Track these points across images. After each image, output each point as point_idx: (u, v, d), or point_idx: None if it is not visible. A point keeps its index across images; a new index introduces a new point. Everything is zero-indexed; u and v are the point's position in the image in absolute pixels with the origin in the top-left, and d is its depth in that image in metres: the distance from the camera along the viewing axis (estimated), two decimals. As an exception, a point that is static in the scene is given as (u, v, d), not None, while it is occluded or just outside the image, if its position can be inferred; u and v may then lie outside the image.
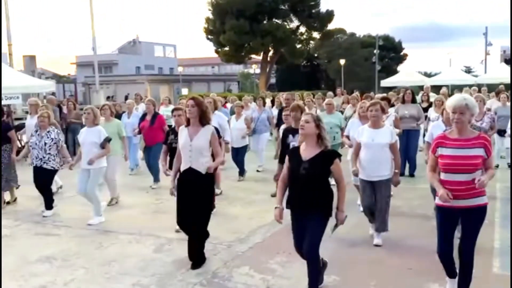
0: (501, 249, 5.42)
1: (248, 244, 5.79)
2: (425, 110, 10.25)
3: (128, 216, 7.23)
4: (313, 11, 42.55)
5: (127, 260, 5.34)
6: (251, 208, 7.49)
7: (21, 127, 11.44)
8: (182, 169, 4.99)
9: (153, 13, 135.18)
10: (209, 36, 43.08)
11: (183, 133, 4.98)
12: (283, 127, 7.78)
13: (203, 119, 4.92)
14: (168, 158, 6.35)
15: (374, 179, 5.53)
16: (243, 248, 5.67)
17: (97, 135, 6.85)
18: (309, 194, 3.99)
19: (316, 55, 51.40)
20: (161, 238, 6.01)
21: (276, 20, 42.11)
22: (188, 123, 4.99)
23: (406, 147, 9.29)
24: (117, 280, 4.84)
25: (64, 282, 4.81)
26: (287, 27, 42.77)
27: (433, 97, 12.05)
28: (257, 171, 10.46)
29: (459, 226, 4.11)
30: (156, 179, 8.98)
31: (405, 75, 27.64)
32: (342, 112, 10.34)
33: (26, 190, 8.07)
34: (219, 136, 6.71)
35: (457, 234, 4.09)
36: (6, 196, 7.95)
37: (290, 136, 6.03)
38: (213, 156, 5.08)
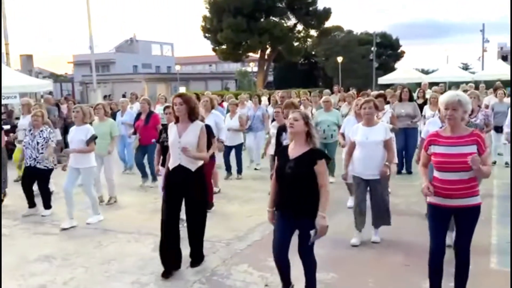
0: (498, 245, 5.46)
1: (246, 242, 5.82)
2: (421, 106, 10.26)
3: (127, 215, 7.26)
4: (310, 8, 42.58)
5: (126, 259, 5.35)
6: (249, 206, 7.51)
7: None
8: (171, 166, 4.85)
9: (150, 12, 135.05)
10: (207, 34, 43.04)
11: (172, 130, 4.86)
12: (274, 124, 7.83)
13: (192, 115, 4.80)
14: (162, 157, 6.33)
15: (369, 177, 5.51)
16: (242, 246, 5.70)
17: (85, 133, 6.77)
18: (295, 193, 3.83)
19: (313, 52, 51.39)
20: (159, 237, 5.98)
21: (274, 18, 42.09)
22: (177, 120, 4.86)
23: (404, 145, 9.32)
24: (116, 278, 4.86)
25: (63, 281, 4.83)
26: (285, 25, 42.78)
27: (429, 93, 12.07)
28: (255, 169, 10.49)
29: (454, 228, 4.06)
30: (155, 179, 8.99)
31: (403, 72, 27.70)
32: (338, 110, 10.36)
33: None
34: (213, 136, 6.71)
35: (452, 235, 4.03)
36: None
37: (284, 134, 6.01)
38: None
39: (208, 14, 42.19)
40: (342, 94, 14.64)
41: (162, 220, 4.90)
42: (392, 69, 40.61)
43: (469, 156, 3.61)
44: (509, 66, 27.17)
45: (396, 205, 7.08)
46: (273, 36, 40.42)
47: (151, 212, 7.41)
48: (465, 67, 48.30)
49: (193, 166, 4.82)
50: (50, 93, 20.19)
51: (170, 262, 4.84)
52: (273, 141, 7.28)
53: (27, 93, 15.86)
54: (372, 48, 46.98)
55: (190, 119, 4.81)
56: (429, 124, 5.91)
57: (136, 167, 10.57)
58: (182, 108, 4.74)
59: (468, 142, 3.72)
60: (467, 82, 20.10)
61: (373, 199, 5.61)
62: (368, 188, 5.64)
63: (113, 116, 10.03)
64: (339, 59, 43.14)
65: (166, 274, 4.77)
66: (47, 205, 7.34)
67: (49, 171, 7.34)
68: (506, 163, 9.90)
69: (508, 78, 20.88)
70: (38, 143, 7.13)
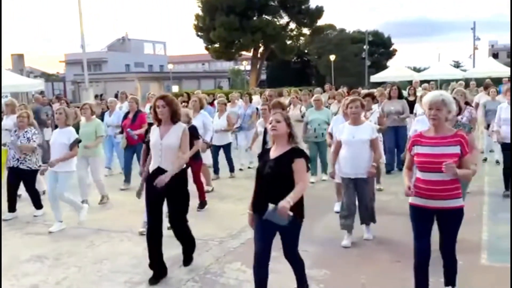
0: (489, 242, 5.52)
1: (239, 240, 5.83)
2: (412, 104, 10.30)
3: (119, 215, 7.25)
4: (303, 7, 42.58)
5: (119, 258, 5.36)
6: (242, 205, 7.49)
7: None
8: (151, 169, 4.78)
9: (142, 10, 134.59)
10: (199, 33, 42.93)
11: (154, 132, 4.80)
12: (260, 121, 7.86)
13: (174, 117, 4.73)
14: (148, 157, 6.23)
15: (357, 176, 5.50)
16: (235, 244, 5.71)
17: (68, 136, 6.54)
18: (275, 193, 3.70)
19: (306, 51, 51.57)
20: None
21: (266, 17, 42.08)
22: (159, 123, 4.79)
23: (395, 143, 9.35)
24: (109, 278, 4.86)
25: (56, 281, 4.83)
26: (277, 23, 42.76)
27: (420, 91, 12.13)
28: (248, 167, 10.50)
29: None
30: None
31: (395, 70, 27.91)
32: (329, 108, 10.35)
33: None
34: (196, 137, 6.66)
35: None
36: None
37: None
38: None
39: (200, 13, 42.11)
40: (332, 92, 14.48)
41: (148, 223, 4.86)
42: (385, 67, 40.79)
43: (444, 163, 3.52)
44: (499, 64, 27.41)
45: (386, 202, 7.13)
46: (265, 35, 40.41)
47: (143, 211, 7.39)
48: (457, 65, 48.70)
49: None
50: (42, 92, 20.07)
51: (155, 269, 4.76)
52: (261, 138, 7.27)
53: (18, 92, 15.79)
54: (365, 47, 47.23)
55: (172, 121, 4.74)
56: (417, 123, 5.86)
57: (118, 167, 10.43)
58: (165, 111, 4.66)
59: (452, 142, 3.66)
60: (457, 80, 20.21)
61: (359, 198, 5.62)
62: (355, 187, 5.64)
63: (102, 116, 10.02)
64: (332, 57, 43.28)
65: (154, 280, 4.69)
66: (38, 205, 7.29)
67: (32, 172, 7.18)
68: (497, 161, 9.93)
69: (499, 75, 21.06)
70: (21, 143, 7.02)
